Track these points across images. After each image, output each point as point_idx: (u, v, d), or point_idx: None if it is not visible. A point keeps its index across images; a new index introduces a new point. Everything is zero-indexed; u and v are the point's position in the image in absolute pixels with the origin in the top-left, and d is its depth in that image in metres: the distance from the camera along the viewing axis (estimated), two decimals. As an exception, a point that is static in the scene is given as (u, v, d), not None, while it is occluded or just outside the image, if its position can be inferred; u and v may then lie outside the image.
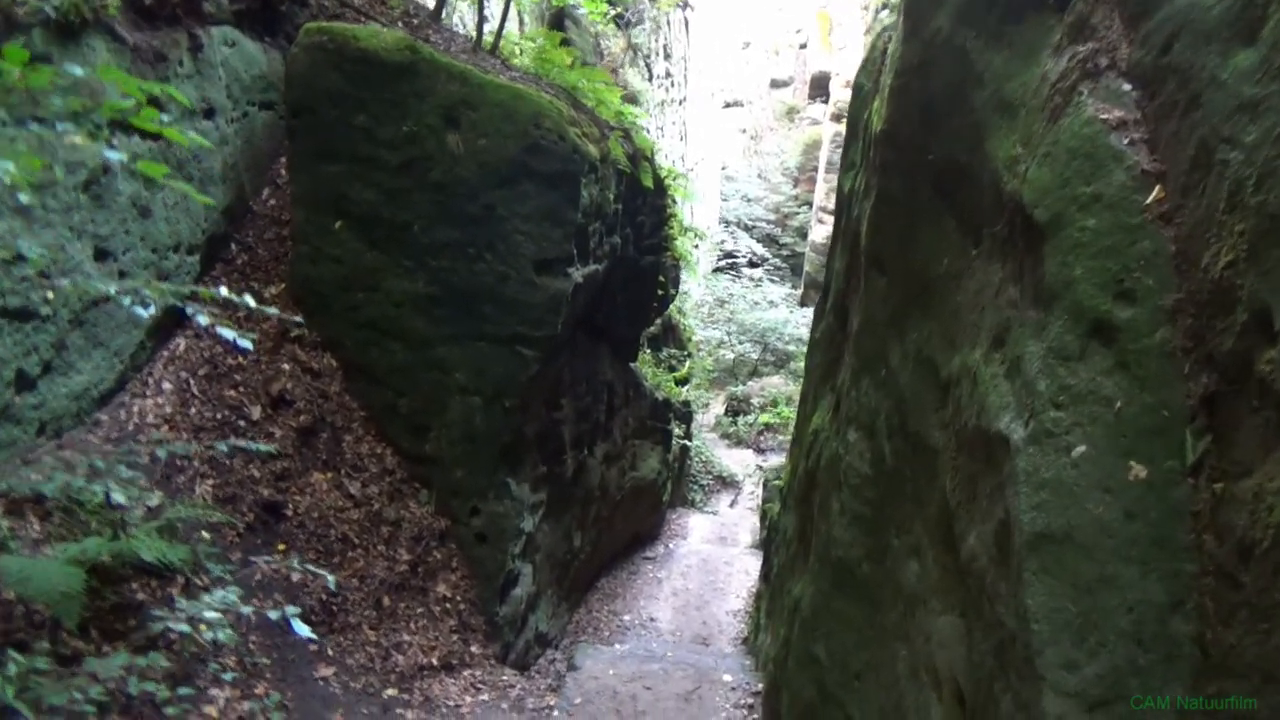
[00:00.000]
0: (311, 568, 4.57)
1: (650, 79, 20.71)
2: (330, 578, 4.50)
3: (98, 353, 5.56)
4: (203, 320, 3.89)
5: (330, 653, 5.50)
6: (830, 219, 29.04)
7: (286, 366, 6.49)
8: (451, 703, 5.78)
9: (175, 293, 4.02)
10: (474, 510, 6.85)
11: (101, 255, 5.48)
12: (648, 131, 10.37)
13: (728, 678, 6.70)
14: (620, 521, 11.50)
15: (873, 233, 3.41)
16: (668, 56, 23.03)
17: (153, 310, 3.82)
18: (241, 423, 6.07)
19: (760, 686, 6.36)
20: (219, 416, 5.99)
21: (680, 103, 25.48)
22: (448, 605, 6.53)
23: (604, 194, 7.37)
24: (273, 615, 3.52)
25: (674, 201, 10.89)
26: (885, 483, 3.17)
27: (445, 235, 6.58)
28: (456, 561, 6.81)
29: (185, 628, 3.46)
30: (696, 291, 24.08)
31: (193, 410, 5.94)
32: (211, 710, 4.50)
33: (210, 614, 3.51)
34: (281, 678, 5.11)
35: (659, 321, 14.83)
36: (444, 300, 6.65)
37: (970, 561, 2.12)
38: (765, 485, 13.53)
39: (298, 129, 6.72)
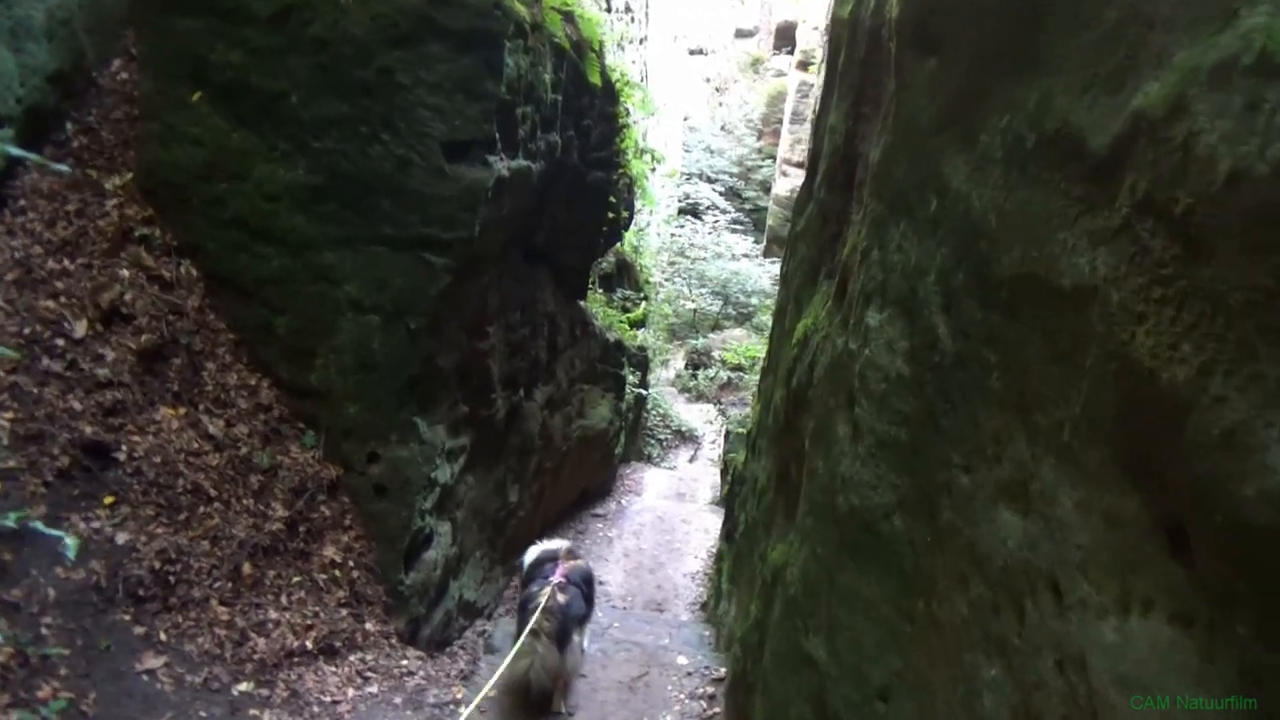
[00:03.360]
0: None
1: (609, 9, 19.20)
2: (70, 543, 3.17)
3: None
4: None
5: (162, 638, 4.19)
6: (795, 171, 27.73)
7: (126, 273, 5.09)
8: (327, 698, 4.51)
9: None
10: (372, 456, 5.53)
11: None
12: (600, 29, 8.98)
13: (683, 660, 5.50)
14: (567, 475, 10.26)
15: (915, -9, 2.13)
16: (628, -11, 21.48)
17: None
18: (59, 341, 4.69)
19: (722, 672, 5.18)
20: (27, 332, 4.60)
21: (641, 42, 23.96)
22: (336, 573, 5.25)
23: (536, 72, 6.00)
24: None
25: (628, 113, 9.52)
26: (938, 383, 1.93)
27: (331, 109, 5.19)
28: (351, 519, 5.52)
29: None
30: (655, 239, 22.75)
31: (-9, 324, 4.56)
32: (-43, 724, 3.23)
33: None
34: (85, 673, 3.81)
35: (613, 259, 13.48)
36: (330, 192, 5.28)
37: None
38: (727, 436, 12.39)
39: (141, -30, 5.27)
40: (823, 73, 4.33)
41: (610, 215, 9.34)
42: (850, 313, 2.60)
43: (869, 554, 2.26)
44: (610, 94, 8.67)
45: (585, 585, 5.42)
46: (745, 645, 4.06)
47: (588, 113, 8.00)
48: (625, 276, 14.38)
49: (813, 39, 26.93)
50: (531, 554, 5.59)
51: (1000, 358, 1.67)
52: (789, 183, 27.45)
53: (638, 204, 11.40)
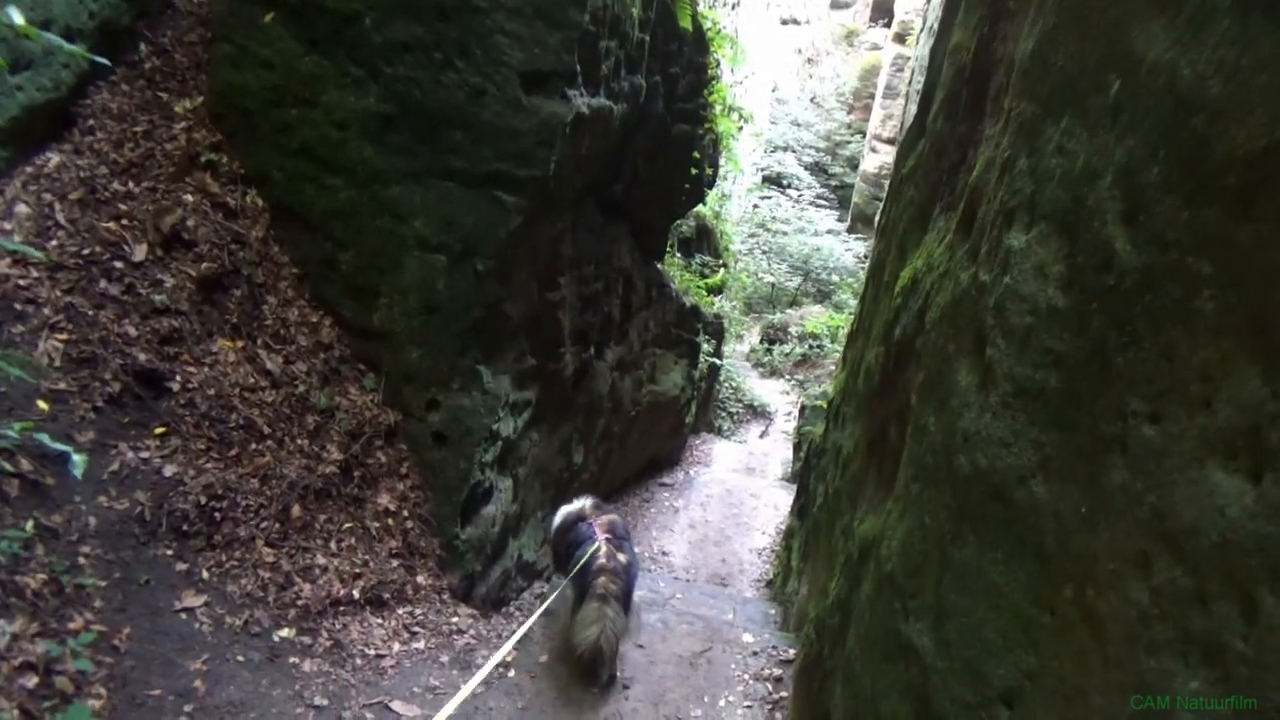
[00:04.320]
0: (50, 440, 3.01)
1: (700, -30, 18.65)
2: (78, 459, 2.95)
3: (-93, 150, 4.04)
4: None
5: (204, 576, 4.00)
6: (885, 147, 26.72)
7: (190, 199, 4.90)
8: (371, 651, 4.28)
9: None
10: (432, 403, 5.28)
11: (-91, 11, 3.90)
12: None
13: (748, 638, 5.13)
14: (635, 441, 9.98)
15: None
16: (721, -50, 20.82)
17: None
18: (118, 264, 4.51)
19: (792, 653, 4.80)
20: (87, 253, 4.44)
21: (733, 7, 23.34)
22: (389, 522, 5.02)
23: (623, 4, 5.62)
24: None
25: (717, 65, 9.06)
26: (1111, 312, 1.51)
27: (405, 33, 4.90)
28: (407, 467, 5.29)
29: None
30: (737, 207, 22.21)
31: (52, 243, 4.40)
32: (-19, 652, 3.06)
33: None
34: (120, 608, 3.63)
35: (693, 222, 13.07)
36: (401, 122, 5.00)
37: None
38: (803, 411, 11.94)
39: (216, -119, 5.03)
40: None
41: (694, 172, 8.93)
42: (982, 239, 2.16)
43: (996, 526, 1.86)
44: (701, 42, 8.24)
45: (629, 539, 5.17)
46: (821, 627, 3.68)
47: (675, 59, 7.59)
48: (705, 242, 13.96)
49: (910, 14, 25.95)
50: (559, 516, 5.33)
51: (1218, 268, 1.25)
52: (878, 159, 26.57)
53: (722, 165, 10.96)
